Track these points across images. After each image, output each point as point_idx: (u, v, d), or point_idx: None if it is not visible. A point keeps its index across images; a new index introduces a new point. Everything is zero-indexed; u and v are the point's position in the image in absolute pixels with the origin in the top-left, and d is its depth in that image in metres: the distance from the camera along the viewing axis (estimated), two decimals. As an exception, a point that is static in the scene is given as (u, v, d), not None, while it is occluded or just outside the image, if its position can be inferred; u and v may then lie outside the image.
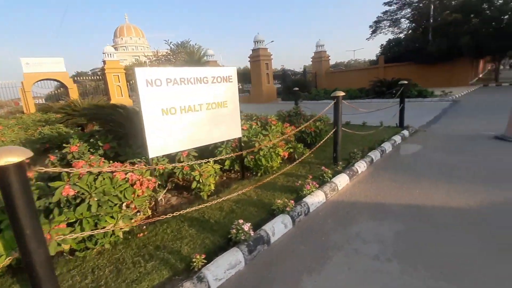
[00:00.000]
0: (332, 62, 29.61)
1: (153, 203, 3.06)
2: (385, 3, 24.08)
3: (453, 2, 19.95)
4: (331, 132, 4.01)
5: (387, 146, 4.83)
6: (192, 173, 3.03)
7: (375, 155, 4.37)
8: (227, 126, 3.41)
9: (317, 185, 3.17)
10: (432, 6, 20.51)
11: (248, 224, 2.19)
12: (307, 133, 4.94)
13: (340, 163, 3.90)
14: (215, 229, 2.44)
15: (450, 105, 10.55)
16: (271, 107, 12.30)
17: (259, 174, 3.78)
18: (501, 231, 2.25)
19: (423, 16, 22.04)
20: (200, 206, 2.71)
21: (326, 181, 3.34)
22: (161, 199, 3.38)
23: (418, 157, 4.41)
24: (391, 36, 24.84)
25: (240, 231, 2.14)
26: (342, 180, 3.43)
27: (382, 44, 22.70)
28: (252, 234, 2.17)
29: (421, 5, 22.39)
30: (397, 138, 5.33)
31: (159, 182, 3.51)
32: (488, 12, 15.13)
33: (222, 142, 3.77)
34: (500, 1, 15.08)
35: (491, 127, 5.79)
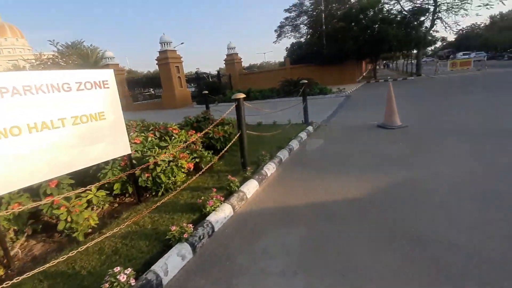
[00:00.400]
0: (246, 64, 30.48)
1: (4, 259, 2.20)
2: (286, 10, 26.23)
3: (338, 12, 23.21)
4: (236, 137, 3.80)
5: (295, 144, 4.99)
6: (55, 211, 2.28)
7: (283, 154, 4.41)
8: (108, 143, 2.75)
9: (223, 198, 2.87)
10: (323, 15, 23.40)
11: (128, 271, 1.70)
12: (216, 139, 4.64)
13: (249, 168, 3.74)
14: (85, 285, 1.83)
15: (344, 100, 12.10)
16: (185, 113, 11.59)
17: (159, 194, 3.24)
18: (387, 218, 2.43)
19: (318, 23, 24.97)
20: (71, 254, 2.04)
21: (234, 190, 3.09)
22: (17, 251, 2.48)
23: (321, 151, 4.68)
24: (294, 40, 27.26)
25: (115, 284, 1.62)
26: (251, 187, 3.25)
27: (287, 47, 24.72)
28: (133, 284, 1.68)
29: (314, 13, 25.27)
30: (303, 135, 5.60)
31: (15, 228, 2.61)
32: (364, 21, 18.20)
33: (107, 162, 3.07)
34: (372, 13, 18.33)
35: (374, 117, 6.74)
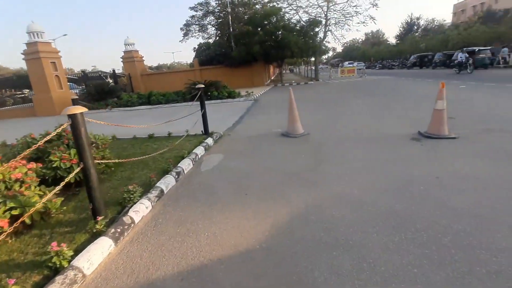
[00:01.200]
0: (155, 63, 27.43)
1: None
2: (191, 8, 24.85)
3: (245, 16, 23.41)
4: (77, 170, 2.52)
5: (186, 164, 3.98)
6: None
7: (167, 182, 3.34)
8: None
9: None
10: (230, 17, 23.18)
11: None
12: (64, 169, 3.18)
13: (102, 217, 2.50)
14: None
15: (252, 103, 11.85)
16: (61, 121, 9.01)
17: None
18: (286, 275, 1.72)
19: (225, 25, 24.63)
20: None
21: (59, 269, 1.86)
22: None
23: (218, 171, 3.84)
24: (202, 41, 26.17)
25: None
26: (97, 253, 2.07)
27: (194, 48, 23.39)
28: None
29: (221, 14, 24.82)
30: (199, 150, 4.65)
31: None
32: (268, 27, 18.77)
33: None
34: (274, 19, 19.11)
35: (280, 123, 6.43)
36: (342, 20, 23.05)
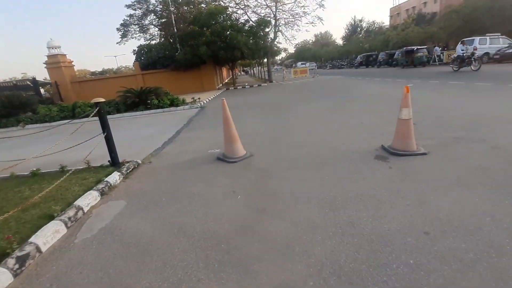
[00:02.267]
0: (99, 68, 24.03)
1: None
2: (128, 6, 22.31)
3: (191, 16, 21.68)
4: None
5: (50, 233, 2.45)
6: None
7: (-18, 289, 1.81)
8: None
9: None
10: (174, 16, 21.27)
11: None
12: None
13: None
14: None
15: (197, 112, 10.41)
16: None
17: None
18: None
19: (169, 25, 22.60)
20: None
21: None
22: None
23: (100, 243, 2.39)
24: (144, 42, 23.75)
25: None
26: None
27: (134, 50, 20.92)
28: None
29: (164, 14, 22.75)
30: (89, 198, 3.12)
31: None
32: (214, 27, 17.38)
33: None
34: (221, 19, 17.81)
35: (220, 139, 5.14)
36: (292, 21, 22.74)
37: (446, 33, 28.22)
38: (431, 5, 44.89)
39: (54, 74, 20.22)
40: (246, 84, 23.61)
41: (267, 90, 16.40)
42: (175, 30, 20.74)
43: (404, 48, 24.44)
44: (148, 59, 19.85)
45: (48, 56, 19.90)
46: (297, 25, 22.91)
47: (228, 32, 17.67)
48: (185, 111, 11.13)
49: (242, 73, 72.45)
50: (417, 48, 23.29)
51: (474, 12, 24.80)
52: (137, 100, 12.17)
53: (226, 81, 34.33)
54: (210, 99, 14.55)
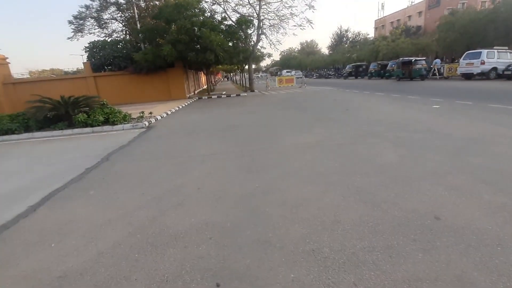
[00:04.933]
0: (46, 67, 19.76)
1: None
2: (81, -5, 18.49)
3: (155, 10, 18.24)
4: None
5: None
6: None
7: None
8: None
9: None
10: (136, 9, 17.77)
11: None
12: None
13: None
14: None
15: (138, 135, 7.01)
16: None
17: None
18: None
19: (133, 19, 19.03)
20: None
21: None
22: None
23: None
24: (103, 39, 19.90)
25: None
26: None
27: (85, 47, 17.11)
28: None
29: (125, 5, 19.17)
30: None
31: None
32: (180, 21, 14.04)
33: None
34: (190, 12, 14.51)
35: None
36: (277, 23, 19.86)
37: (440, 46, 26.54)
38: (415, 18, 44.34)
39: (-21, 72, 16.01)
40: (224, 92, 20.36)
41: (246, 103, 13.20)
42: (138, 25, 17.19)
43: (401, 58, 22.24)
44: (101, 58, 16.12)
45: (-28, 50, 15.69)
46: (283, 28, 20.03)
47: (198, 30, 14.40)
48: (122, 133, 7.67)
49: (224, 79, 69.17)
50: (415, 60, 21.12)
51: (470, 24, 23.16)
52: (62, 113, 8.56)
53: (205, 87, 30.90)
54: (168, 113, 11.12)
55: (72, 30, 19.38)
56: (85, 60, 17.75)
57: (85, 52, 17.37)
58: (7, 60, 17.22)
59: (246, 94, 18.04)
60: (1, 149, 6.87)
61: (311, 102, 11.61)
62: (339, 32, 65.34)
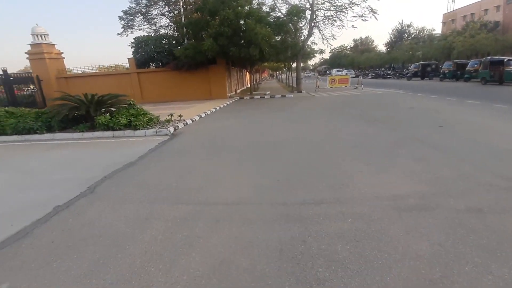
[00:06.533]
0: (99, 62, 20.58)
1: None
2: (132, -11, 18.40)
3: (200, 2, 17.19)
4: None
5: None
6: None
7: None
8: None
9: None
10: (182, 3, 16.93)
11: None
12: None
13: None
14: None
15: (157, 146, 5.59)
16: None
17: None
18: None
19: (179, 14, 18.34)
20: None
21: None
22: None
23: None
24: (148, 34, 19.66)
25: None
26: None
27: (131, 42, 16.84)
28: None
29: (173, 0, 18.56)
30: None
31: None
32: (224, 13, 12.56)
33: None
34: (235, 3, 12.97)
35: None
36: (333, 14, 17.28)
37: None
38: (492, 13, 36.60)
39: (36, 67, 16.79)
40: (267, 93, 18.57)
41: (292, 107, 11.19)
42: (183, 19, 16.32)
43: (489, 58, 17.87)
44: (143, 54, 15.59)
45: (32, 45, 16.51)
46: (340, 20, 17.35)
47: (242, 22, 12.78)
48: (141, 142, 6.36)
49: (270, 77, 67.46)
50: (508, 60, 16.70)
51: None
52: (84, 113, 7.66)
53: (249, 86, 29.58)
54: (202, 115, 9.69)
55: (122, 26, 19.48)
56: (131, 56, 17.57)
57: (131, 48, 17.10)
58: (62, 55, 17.90)
59: (292, 96, 15.98)
60: (7, 152, 6.04)
61: (378, 109, 9.12)
62: (399, 28, 58.55)
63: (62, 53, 17.82)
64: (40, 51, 16.40)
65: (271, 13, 14.61)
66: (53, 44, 17.27)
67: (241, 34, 13.15)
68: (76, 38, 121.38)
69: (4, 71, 15.12)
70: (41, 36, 16.52)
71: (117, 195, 3.31)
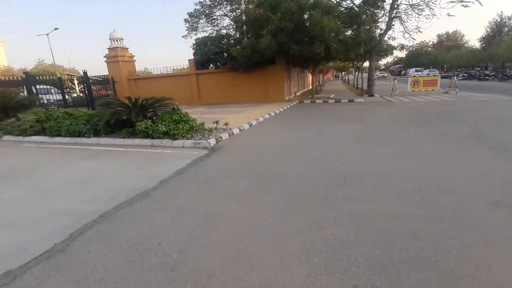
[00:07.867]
0: (165, 64, 21.86)
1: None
2: (197, -8, 18.45)
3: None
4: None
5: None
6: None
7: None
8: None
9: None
10: (244, 1, 16.09)
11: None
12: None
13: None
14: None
15: (169, 176, 4.38)
16: None
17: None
18: None
19: (242, 12, 17.63)
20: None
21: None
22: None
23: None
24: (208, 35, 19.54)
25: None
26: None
27: (193, 44, 16.81)
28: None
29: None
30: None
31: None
32: (288, 5, 11.06)
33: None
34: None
35: None
36: (420, 2, 14.04)
37: None
38: None
39: (112, 69, 18.20)
40: (332, 96, 16.35)
41: (366, 117, 9.00)
42: (244, 18, 15.47)
43: None
44: (202, 55, 15.26)
45: (109, 49, 17.95)
46: (431, 8, 14.01)
47: (306, 16, 11.06)
48: (175, 155, 5.37)
49: (334, 78, 63.01)
50: None
51: None
52: (129, 117, 7.18)
53: (311, 87, 27.48)
54: (252, 123, 8.40)
55: (187, 29, 19.81)
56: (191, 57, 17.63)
57: (192, 49, 17.10)
58: (134, 58, 19.10)
59: (362, 100, 13.49)
60: (45, 157, 5.75)
61: (499, 126, 6.36)
62: (498, 20, 47.38)
63: (134, 56, 18.99)
64: (115, 55, 17.69)
65: (342, 3, 12.48)
66: (127, 48, 18.49)
67: (304, 29, 11.46)
68: (143, 38, 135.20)
69: (85, 73, 16.76)
70: (117, 41, 17.82)
71: (88, 265, 2.14)
